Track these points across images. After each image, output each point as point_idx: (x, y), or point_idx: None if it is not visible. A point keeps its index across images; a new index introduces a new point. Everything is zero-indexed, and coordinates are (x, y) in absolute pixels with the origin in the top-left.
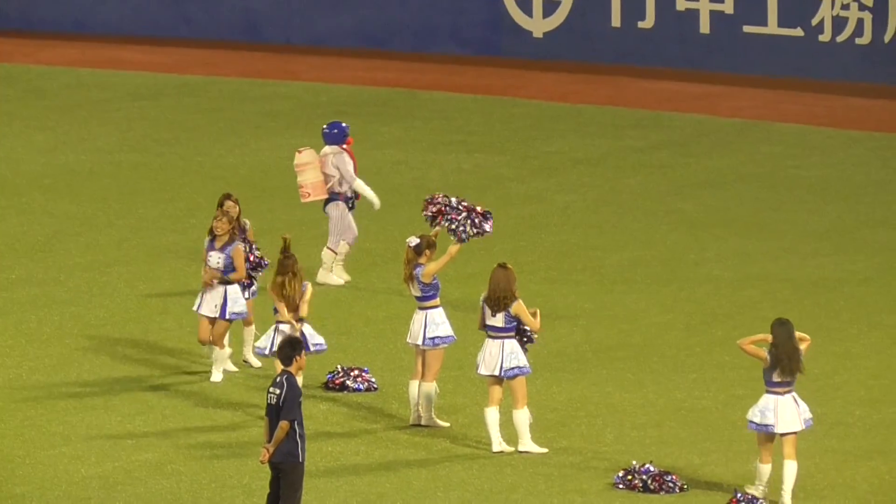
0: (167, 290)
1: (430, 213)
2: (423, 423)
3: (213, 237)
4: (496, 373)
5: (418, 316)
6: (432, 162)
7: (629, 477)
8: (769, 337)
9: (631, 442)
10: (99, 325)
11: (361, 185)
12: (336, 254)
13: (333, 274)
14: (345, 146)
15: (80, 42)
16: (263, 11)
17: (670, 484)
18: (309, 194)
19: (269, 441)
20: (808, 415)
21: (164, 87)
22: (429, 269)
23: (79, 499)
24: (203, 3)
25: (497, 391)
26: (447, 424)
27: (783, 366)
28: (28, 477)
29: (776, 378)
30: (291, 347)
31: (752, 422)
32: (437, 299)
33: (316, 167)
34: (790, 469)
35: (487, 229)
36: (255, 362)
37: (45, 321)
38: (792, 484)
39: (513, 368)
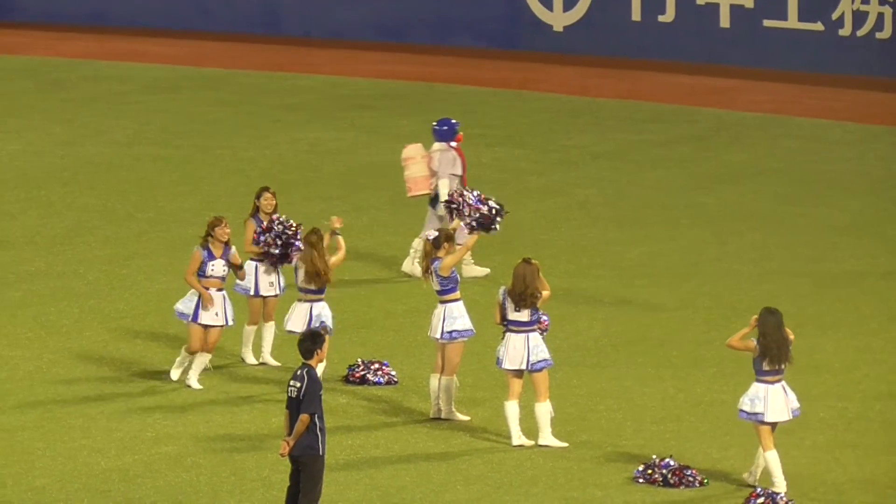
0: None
1: (448, 207)
2: (443, 416)
3: (208, 246)
4: (522, 367)
5: (438, 310)
6: None
7: (649, 471)
8: (754, 321)
9: (651, 436)
10: (119, 318)
11: (443, 185)
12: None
13: (476, 265)
14: (454, 143)
15: (99, 35)
16: (283, 4)
17: (690, 478)
18: (412, 189)
19: (290, 434)
20: (797, 404)
21: (183, 80)
22: (446, 262)
23: (98, 491)
24: None
25: (517, 385)
26: (467, 418)
27: (772, 355)
28: (48, 469)
29: (766, 367)
30: (312, 341)
31: (742, 410)
32: (457, 293)
33: (422, 162)
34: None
35: (496, 228)
36: (274, 362)
37: (64, 314)
38: (762, 470)
39: (539, 361)
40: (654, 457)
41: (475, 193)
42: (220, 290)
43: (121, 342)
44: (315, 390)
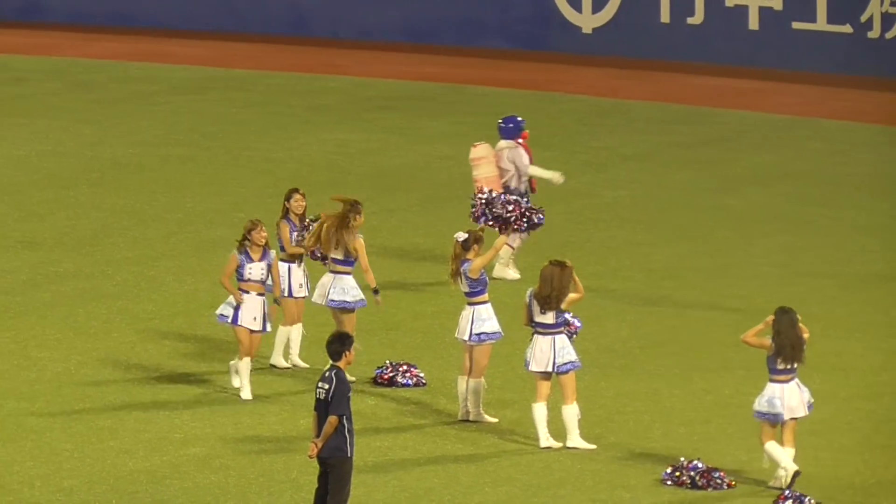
0: (215, 284)
1: (476, 209)
2: (471, 418)
3: (245, 249)
4: (548, 369)
5: (466, 311)
6: None
7: (677, 473)
8: (770, 319)
9: (679, 438)
10: (147, 319)
11: (536, 170)
12: (513, 249)
13: (510, 269)
14: (520, 140)
15: (127, 35)
16: (310, 5)
17: (718, 480)
18: (482, 188)
19: (318, 436)
20: (811, 399)
21: (211, 81)
22: (475, 264)
23: (126, 493)
24: None
25: (545, 387)
26: (495, 420)
27: (786, 353)
28: (76, 470)
29: (780, 366)
30: (341, 342)
31: (759, 412)
32: (485, 295)
33: (491, 162)
34: (789, 454)
35: (530, 225)
36: (302, 363)
37: (93, 315)
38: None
39: (566, 364)
40: (681, 459)
41: (503, 196)
42: (259, 294)
43: (149, 343)
44: (344, 392)
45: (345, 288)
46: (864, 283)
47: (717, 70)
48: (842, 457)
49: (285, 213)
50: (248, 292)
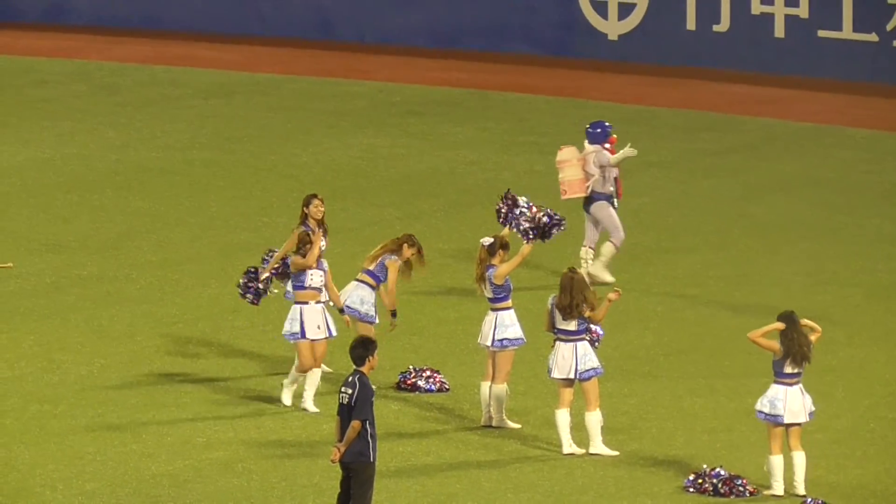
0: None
1: (502, 214)
2: (494, 424)
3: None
4: (570, 376)
5: (489, 317)
6: (505, 163)
7: (699, 481)
8: (780, 326)
9: (701, 446)
10: (170, 323)
11: (617, 157)
12: (617, 250)
13: (606, 272)
14: (607, 145)
15: (153, 39)
16: (336, 9)
17: (740, 488)
18: (567, 192)
19: (341, 440)
20: (812, 407)
21: (236, 85)
22: (501, 270)
23: (149, 496)
24: (276, 0)
25: (568, 394)
26: (518, 426)
27: (795, 357)
28: (98, 473)
29: (787, 369)
30: (364, 347)
31: (760, 412)
32: (509, 301)
33: (576, 165)
34: (800, 459)
35: (553, 233)
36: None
37: (116, 318)
38: (804, 473)
39: (588, 370)
40: (704, 466)
41: (525, 200)
42: (318, 302)
43: (172, 347)
44: (367, 396)
45: (363, 298)
46: (889, 291)
47: (743, 77)
48: (864, 465)
49: (304, 219)
50: (307, 302)
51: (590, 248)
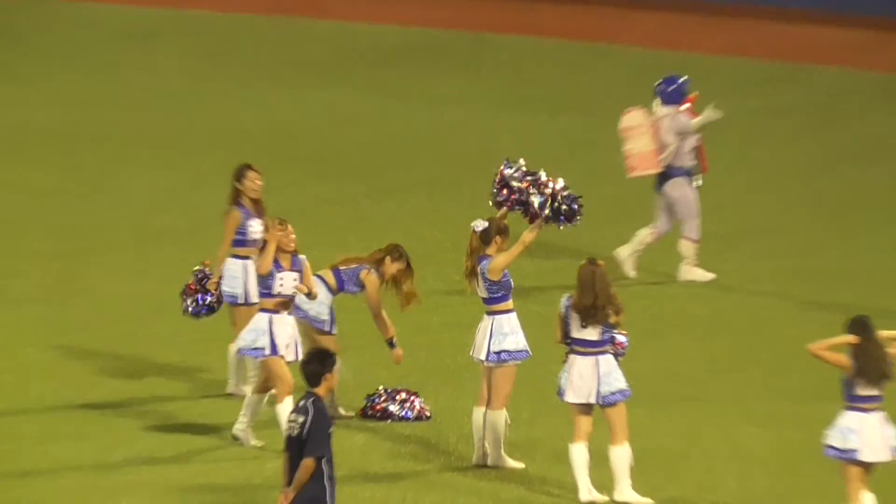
0: (161, 285)
1: (498, 191)
2: (489, 462)
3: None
4: (590, 400)
5: (484, 323)
6: (502, 124)
7: None
8: (851, 339)
9: (761, 492)
10: (70, 330)
11: (698, 120)
12: (696, 242)
13: (699, 268)
14: (685, 105)
15: None
16: None
17: None
18: (635, 167)
19: (289, 484)
20: (895, 442)
21: (158, 25)
22: (498, 262)
23: None
24: None
25: (586, 422)
26: (521, 465)
27: (869, 375)
28: None
29: (861, 391)
30: (320, 363)
31: (830, 447)
32: (509, 302)
33: (647, 133)
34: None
35: (576, 220)
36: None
37: None
38: None
39: (613, 393)
40: None
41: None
42: (290, 314)
43: (72, 361)
44: (323, 427)
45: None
46: None
47: (811, 16)
48: None
49: (237, 197)
50: (277, 311)
51: (655, 236)
